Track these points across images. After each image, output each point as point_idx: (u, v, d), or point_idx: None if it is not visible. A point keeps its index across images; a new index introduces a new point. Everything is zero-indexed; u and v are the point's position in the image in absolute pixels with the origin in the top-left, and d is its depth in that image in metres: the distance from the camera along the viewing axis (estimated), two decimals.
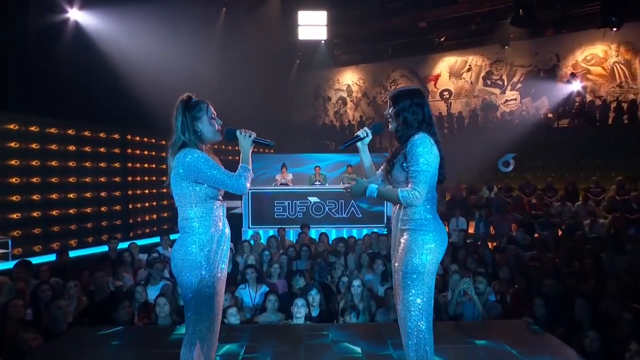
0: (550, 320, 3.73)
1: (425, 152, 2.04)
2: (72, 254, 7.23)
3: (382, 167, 2.39)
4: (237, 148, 2.25)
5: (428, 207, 2.12)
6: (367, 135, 2.35)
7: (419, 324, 2.06)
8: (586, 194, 9.08)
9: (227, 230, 2.22)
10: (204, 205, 2.08)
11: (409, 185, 2.07)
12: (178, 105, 2.13)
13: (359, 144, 2.38)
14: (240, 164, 2.16)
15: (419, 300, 2.06)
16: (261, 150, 13.07)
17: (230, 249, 3.64)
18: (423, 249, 2.06)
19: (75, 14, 8.15)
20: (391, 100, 2.21)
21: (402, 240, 2.14)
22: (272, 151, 13.90)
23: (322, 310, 3.93)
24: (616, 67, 12.93)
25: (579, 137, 11.84)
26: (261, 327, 3.68)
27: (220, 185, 2.07)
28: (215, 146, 2.32)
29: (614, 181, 9.38)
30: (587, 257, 5.18)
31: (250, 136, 2.22)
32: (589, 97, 13.04)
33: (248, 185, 2.11)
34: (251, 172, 2.16)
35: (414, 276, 2.06)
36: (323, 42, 15.05)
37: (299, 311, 3.58)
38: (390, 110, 2.23)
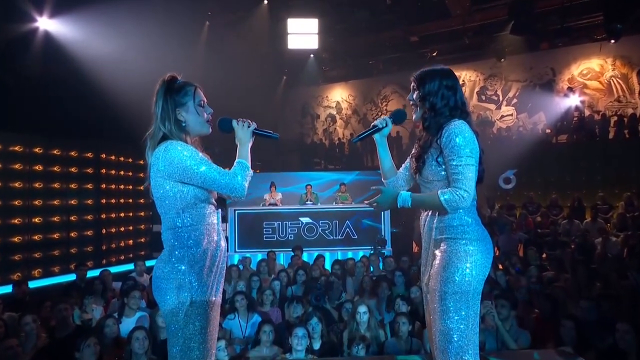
0: (580, 345, 3.43)
1: (468, 142, 1.75)
2: (36, 284, 6.72)
3: (403, 166, 2.09)
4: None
5: (469, 210, 1.81)
6: (386, 125, 2.04)
7: (464, 357, 1.71)
8: (594, 211, 8.97)
9: (224, 243, 1.88)
10: (193, 210, 1.76)
11: (452, 184, 1.76)
12: (159, 87, 1.82)
13: (376, 136, 2.07)
14: (236, 160, 1.83)
15: (462, 327, 1.72)
16: None
17: None
18: (466, 262, 1.75)
19: (45, 23, 7.87)
20: (416, 82, 1.92)
21: (438, 253, 1.82)
22: (258, 171, 13.60)
23: (325, 342, 3.55)
24: (613, 81, 13.09)
25: (579, 153, 11.85)
26: None
27: (212, 185, 1.75)
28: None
29: (618, 197, 9.33)
30: (612, 277, 4.92)
31: (249, 127, 1.92)
32: (587, 112, 13.13)
33: (246, 185, 1.78)
34: (250, 170, 1.84)
35: (457, 297, 1.74)
36: (312, 56, 15.00)
37: (300, 343, 3.21)
38: (414, 95, 1.93)
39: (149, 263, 6.63)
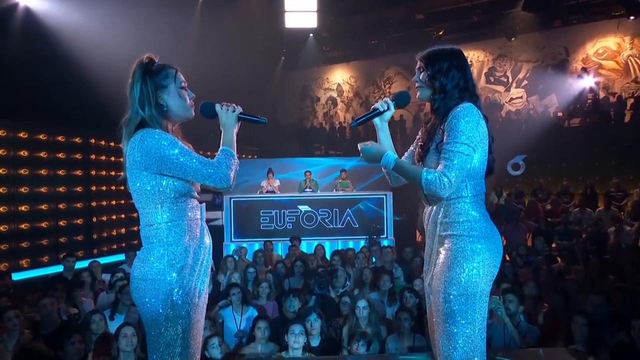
0: (592, 343, 3.38)
1: (470, 128, 1.67)
2: (23, 275, 6.69)
3: (407, 153, 2.01)
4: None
5: (476, 204, 1.73)
6: (387, 109, 1.94)
7: None
8: (607, 198, 8.89)
9: (207, 240, 1.79)
10: (173, 205, 1.68)
11: (439, 167, 1.68)
12: (136, 69, 1.72)
13: (376, 120, 1.97)
14: (220, 147, 1.75)
15: (468, 331, 1.65)
16: (244, 155, 12.74)
17: (211, 267, 3.22)
18: (473, 262, 1.67)
19: None
20: (424, 61, 1.83)
21: (442, 251, 1.74)
22: (255, 156, 13.51)
23: (324, 339, 3.51)
24: (631, 61, 12.88)
25: (592, 137, 11.71)
26: None
27: (194, 176, 1.66)
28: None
29: (633, 184, 9.24)
30: (626, 269, 4.87)
31: (234, 111, 1.82)
32: (602, 94, 12.96)
33: (232, 175, 1.70)
34: (236, 158, 1.75)
35: (462, 299, 1.66)
36: (311, 35, 14.79)
37: (297, 341, 3.16)
38: (421, 76, 1.84)
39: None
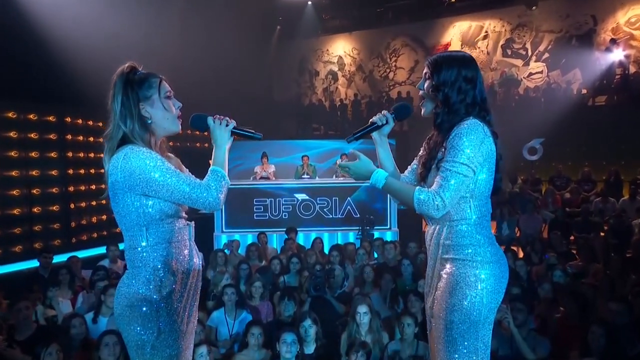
0: (610, 355, 3.45)
1: (472, 147, 1.69)
2: None
3: (409, 168, 2.05)
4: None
5: (481, 227, 1.77)
6: (386, 123, 1.97)
7: None
8: (633, 187, 8.92)
9: (197, 261, 1.85)
10: (159, 227, 1.73)
11: (434, 186, 1.72)
12: (116, 80, 1.75)
13: (374, 134, 2.01)
14: (211, 167, 1.79)
15: None
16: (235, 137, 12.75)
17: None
18: (477, 289, 1.72)
19: None
20: (430, 67, 1.83)
21: (444, 275, 1.79)
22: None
23: (319, 346, 3.59)
24: None
25: (620, 118, 11.59)
26: None
27: (181, 199, 1.71)
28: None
29: None
30: None
31: (227, 125, 1.86)
32: (632, 69, 12.81)
33: (222, 198, 1.76)
34: (227, 178, 1.80)
35: (465, 327, 1.72)
36: (310, 3, 14.63)
37: (289, 350, 3.24)
38: (426, 84, 1.85)
39: (123, 246, 6.63)
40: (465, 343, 1.72)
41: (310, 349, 3.58)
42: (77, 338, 3.64)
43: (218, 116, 1.87)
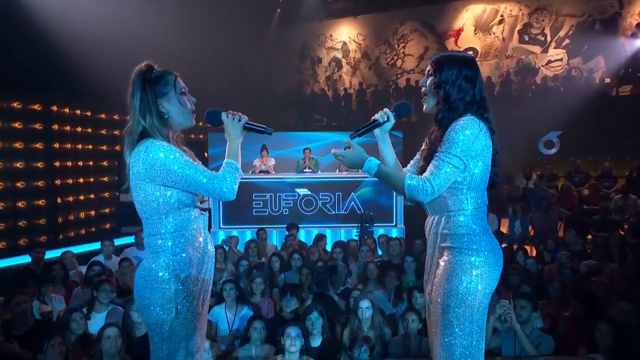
0: (618, 354, 3.69)
1: (466, 142, 1.97)
2: None
3: (412, 162, 2.33)
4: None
5: (477, 217, 2.06)
6: (387, 120, 2.25)
7: None
8: None
9: (211, 247, 2.14)
10: (177, 215, 2.01)
11: (426, 172, 2.02)
12: (135, 78, 2.02)
13: (376, 131, 2.29)
14: (225, 160, 2.08)
15: (465, 343, 1.99)
16: None
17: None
18: (472, 275, 2.00)
19: None
20: (433, 66, 2.12)
21: (442, 262, 2.08)
22: (245, 132, 13.60)
23: (325, 339, 3.86)
24: None
25: None
26: None
27: (199, 189, 2.00)
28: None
29: None
30: None
31: (240, 120, 2.13)
32: None
33: (236, 188, 2.04)
34: (240, 171, 2.09)
35: (460, 310, 2.00)
36: None
37: (293, 344, 3.49)
38: (428, 81, 2.13)
39: (117, 242, 6.90)
40: (461, 326, 1.99)
41: (316, 342, 3.84)
42: (76, 332, 3.88)
43: (231, 112, 2.15)
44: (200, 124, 2.23)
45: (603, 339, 3.72)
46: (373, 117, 2.26)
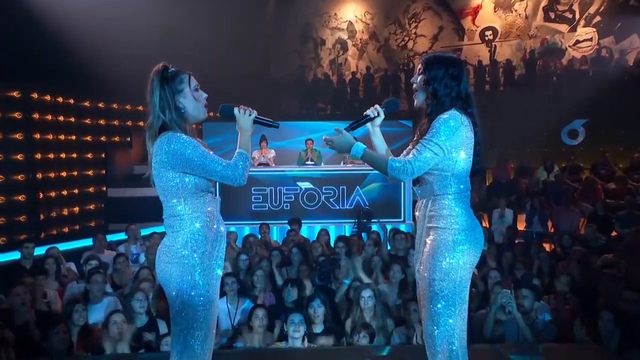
0: (623, 342, 4.16)
1: (447, 132, 2.48)
2: None
3: (404, 153, 2.80)
4: None
5: (459, 201, 2.57)
6: (378, 115, 2.77)
7: (450, 342, 2.51)
8: None
9: (223, 228, 2.68)
10: (194, 199, 2.54)
11: (409, 155, 2.54)
12: (153, 77, 2.54)
13: (368, 125, 2.81)
14: (237, 150, 2.60)
15: (449, 312, 2.51)
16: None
17: None
18: (454, 251, 2.52)
19: None
20: (423, 65, 2.64)
21: (428, 241, 2.60)
22: None
23: (328, 327, 4.34)
24: None
25: None
26: (246, 353, 4.07)
27: (214, 176, 2.52)
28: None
29: None
30: None
31: (250, 114, 2.65)
32: None
33: (247, 175, 2.56)
34: (250, 159, 2.60)
35: (444, 284, 2.51)
36: None
37: (297, 330, 4.00)
38: (419, 79, 2.66)
39: (110, 238, 7.35)
40: (445, 297, 2.50)
41: (319, 329, 4.33)
42: (78, 323, 4.38)
43: (243, 106, 2.67)
44: (211, 113, 2.76)
45: (606, 325, 4.22)
46: (365, 113, 2.79)
